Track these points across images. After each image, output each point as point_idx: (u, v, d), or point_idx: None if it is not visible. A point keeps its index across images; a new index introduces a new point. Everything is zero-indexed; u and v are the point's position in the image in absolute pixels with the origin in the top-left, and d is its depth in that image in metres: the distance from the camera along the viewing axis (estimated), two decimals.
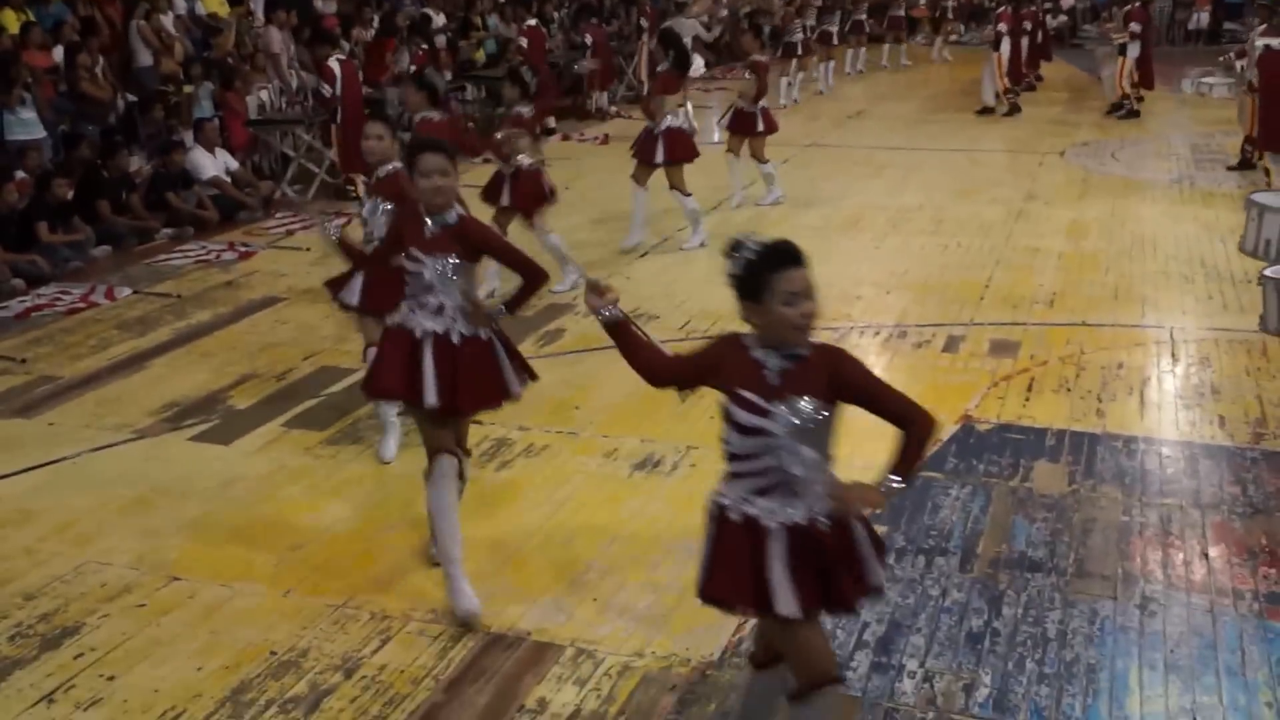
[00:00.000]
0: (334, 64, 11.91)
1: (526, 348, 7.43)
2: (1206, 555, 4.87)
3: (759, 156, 11.08)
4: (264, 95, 13.41)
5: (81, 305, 8.66)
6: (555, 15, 18.54)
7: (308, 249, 10.02)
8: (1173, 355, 7.16)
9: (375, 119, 6.01)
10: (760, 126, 10.92)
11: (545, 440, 6.12)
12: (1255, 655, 4.19)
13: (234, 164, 11.84)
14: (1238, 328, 7.56)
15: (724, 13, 23.64)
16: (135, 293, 8.96)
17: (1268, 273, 7.54)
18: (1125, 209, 10.83)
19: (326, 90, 11.92)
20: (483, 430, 6.22)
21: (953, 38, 23.97)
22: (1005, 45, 16.52)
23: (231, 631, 4.48)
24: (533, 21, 15.56)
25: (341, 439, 6.25)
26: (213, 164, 11.39)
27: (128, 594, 4.76)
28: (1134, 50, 15.72)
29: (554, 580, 4.77)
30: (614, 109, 17.37)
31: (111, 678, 4.21)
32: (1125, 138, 14.27)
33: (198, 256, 10.02)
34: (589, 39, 16.82)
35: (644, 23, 18.67)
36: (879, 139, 14.81)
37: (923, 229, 10.27)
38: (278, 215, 11.48)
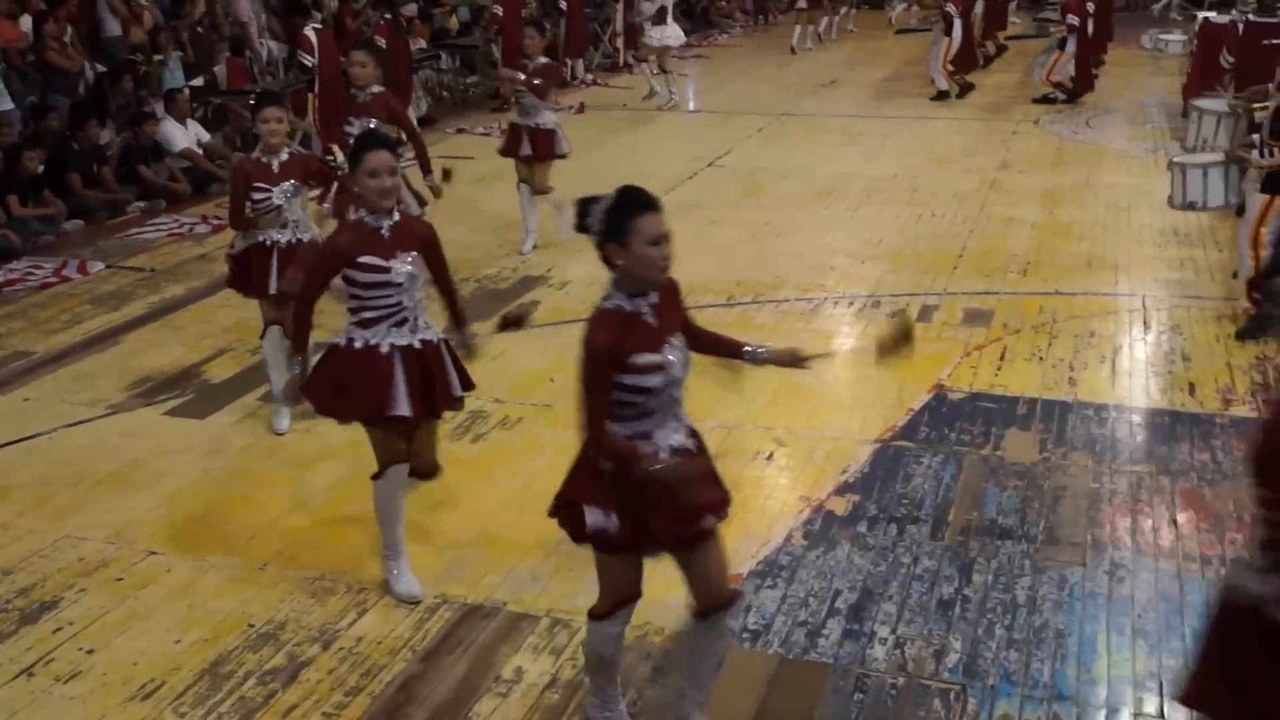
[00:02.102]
0: (310, 33, 11.82)
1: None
2: (1175, 521, 4.94)
3: (542, 186, 8.85)
4: (218, 69, 13.28)
5: (54, 280, 8.62)
6: None
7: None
8: (1144, 323, 7.22)
9: (270, 103, 5.96)
10: (559, 148, 8.81)
11: (520, 413, 6.14)
12: None
13: (205, 136, 11.76)
14: (1209, 295, 7.63)
15: None
16: (108, 267, 8.92)
17: (1175, 159, 7.95)
18: (1099, 177, 10.88)
19: (307, 60, 11.81)
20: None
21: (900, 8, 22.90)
22: (957, 29, 14.82)
23: (209, 604, 4.50)
24: None
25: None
26: (184, 136, 11.30)
27: (105, 568, 4.77)
28: (1071, 45, 14.29)
29: (529, 551, 4.80)
30: (589, 77, 17.29)
31: (90, 651, 4.23)
32: (1098, 105, 14.30)
33: (170, 229, 9.97)
34: (563, 4, 16.70)
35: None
36: (853, 108, 14.80)
37: (897, 198, 10.30)
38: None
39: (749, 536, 4.90)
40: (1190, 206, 7.89)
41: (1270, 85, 7.24)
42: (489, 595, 4.53)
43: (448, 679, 4.05)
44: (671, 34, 15.10)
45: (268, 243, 5.89)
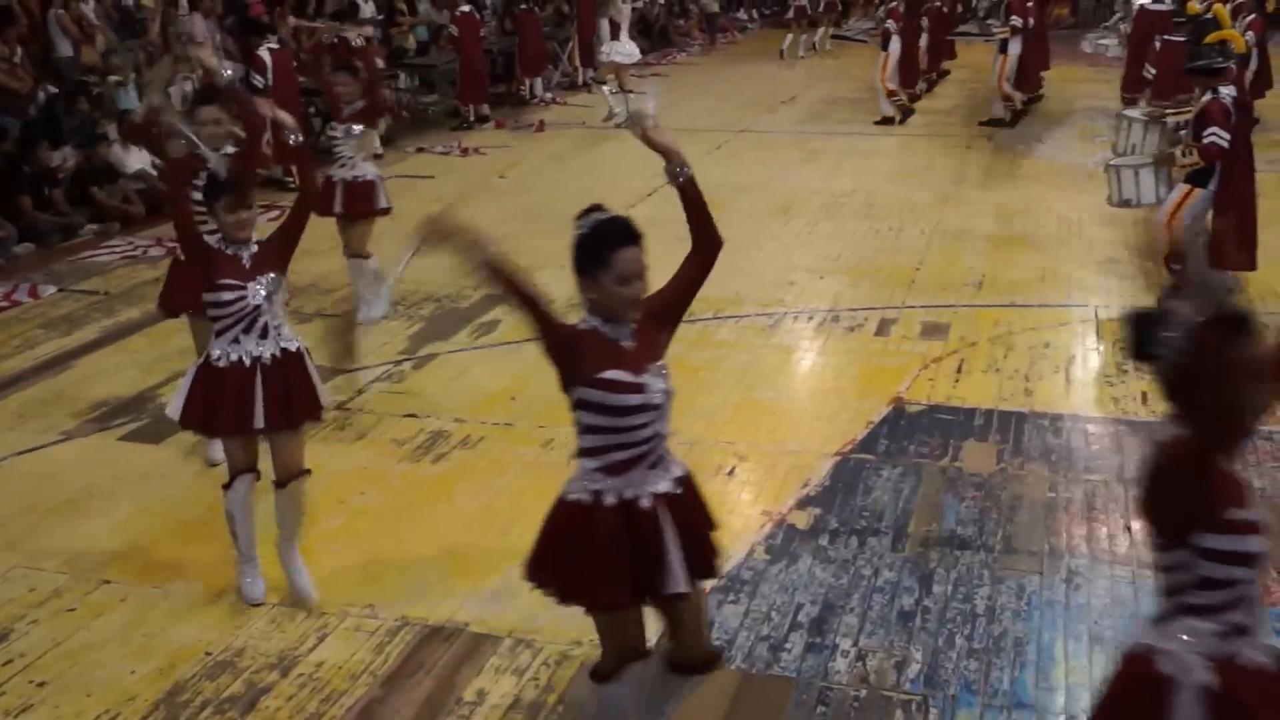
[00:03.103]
0: (264, 53, 11.78)
1: (461, 339, 7.45)
2: (1129, 528, 4.99)
3: (361, 250, 7.62)
4: (187, 86, 13.18)
5: (4, 304, 8.51)
6: (488, 1, 18.43)
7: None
8: (1097, 334, 7.30)
9: (207, 101, 5.86)
10: (380, 202, 7.68)
11: (482, 432, 6.13)
12: None
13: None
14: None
15: None
16: (60, 290, 8.82)
17: (1111, 163, 8.50)
18: (1051, 191, 11.00)
19: (258, 81, 11.78)
20: (417, 424, 6.22)
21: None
22: (895, 45, 14.48)
23: (165, 633, 4.45)
24: (466, 8, 15.43)
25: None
26: (137, 157, 11.19)
27: (57, 598, 4.71)
28: (1015, 47, 14.04)
29: (491, 571, 4.77)
30: (548, 95, 17.32)
31: (43, 684, 4.17)
32: (1050, 120, 14.47)
33: (124, 252, 9.88)
34: (518, 24, 16.74)
35: (567, 8, 18.59)
36: (811, 124, 14.91)
37: (855, 213, 10.37)
38: None
39: None
40: (1126, 204, 8.40)
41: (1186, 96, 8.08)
42: (450, 616, 4.50)
43: (410, 702, 4.02)
44: (625, 51, 15.11)
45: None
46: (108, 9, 13.43)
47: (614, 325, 3.20)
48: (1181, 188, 7.72)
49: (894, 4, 14.68)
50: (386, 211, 7.70)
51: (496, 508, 5.35)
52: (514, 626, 4.42)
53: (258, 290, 4.41)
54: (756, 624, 4.41)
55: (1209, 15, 10.04)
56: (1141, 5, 14.55)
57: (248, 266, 4.41)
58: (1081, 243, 9.26)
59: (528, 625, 4.41)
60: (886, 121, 14.54)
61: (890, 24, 14.44)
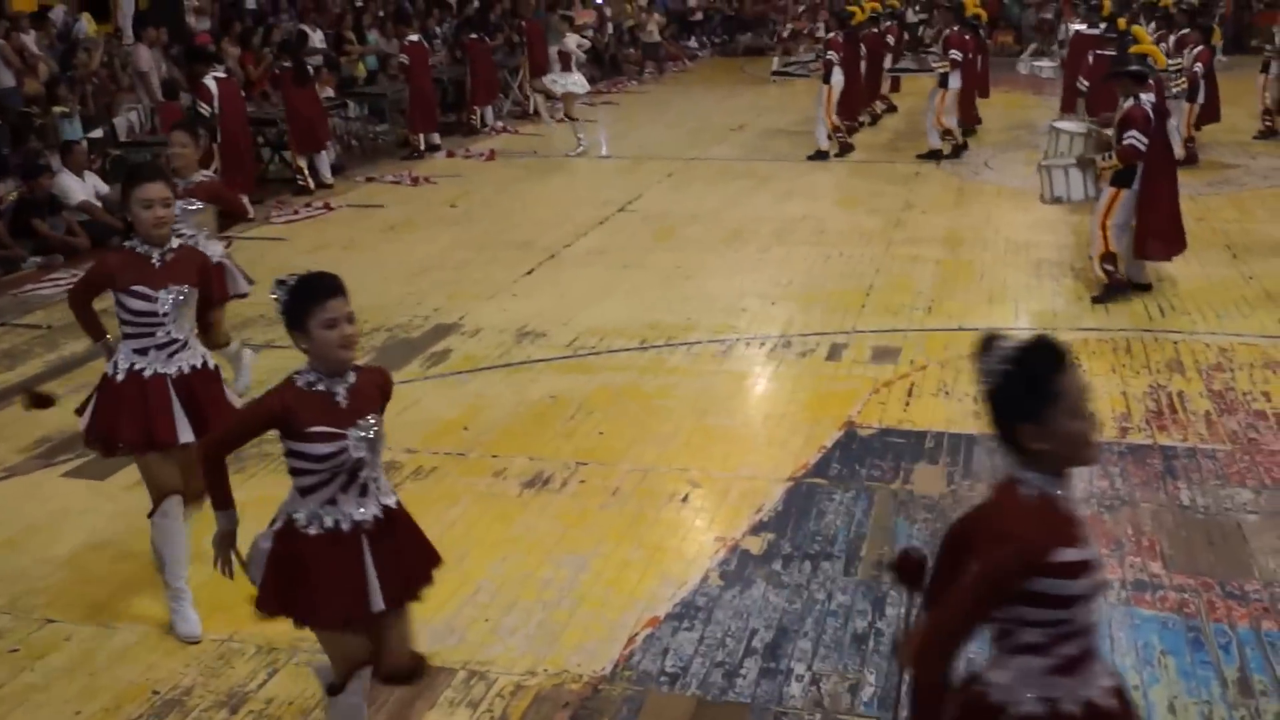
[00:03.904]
0: (210, 82, 11.72)
1: (412, 369, 7.41)
2: None
3: (217, 338, 6.09)
4: (132, 116, 13.10)
5: None
6: (438, 30, 18.46)
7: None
8: None
9: (179, 128, 6.00)
10: (234, 287, 6.75)
11: (434, 462, 6.10)
12: (1123, 641, 4.36)
13: (104, 188, 11.54)
14: (1105, 327, 7.85)
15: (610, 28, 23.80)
16: (2, 324, 8.70)
17: (1043, 163, 9.22)
18: (998, 216, 11.15)
19: (205, 109, 11.73)
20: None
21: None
22: (838, 76, 14.07)
23: (111, 672, 4.38)
24: (415, 37, 15.45)
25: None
26: (81, 188, 11.09)
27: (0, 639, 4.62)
28: (955, 81, 13.76)
29: (445, 602, 4.74)
30: (499, 124, 17.35)
31: None
32: (996, 146, 14.67)
33: (68, 285, 9.71)
34: (469, 53, 16.78)
35: (517, 37, 18.66)
36: (761, 152, 15.02)
37: (805, 239, 10.45)
38: None
39: (666, 579, 4.91)
40: (1057, 200, 9.21)
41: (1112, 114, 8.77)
42: None
43: None
44: (575, 81, 15.14)
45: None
46: (50, 39, 13.31)
47: (330, 379, 3.36)
48: (1109, 191, 8.38)
49: (833, 35, 14.35)
50: (243, 296, 6.76)
51: (449, 538, 5.29)
52: (467, 658, 4.40)
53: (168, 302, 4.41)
54: (711, 650, 4.41)
55: (1128, 34, 11.10)
56: (1077, 30, 15.10)
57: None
58: (1028, 265, 9.39)
59: (482, 656, 4.39)
60: (820, 156, 14.16)
61: (832, 55, 14.05)
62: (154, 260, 4.35)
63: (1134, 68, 8.50)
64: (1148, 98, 8.29)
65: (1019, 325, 7.93)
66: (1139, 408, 6.50)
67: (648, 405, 6.78)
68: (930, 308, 8.41)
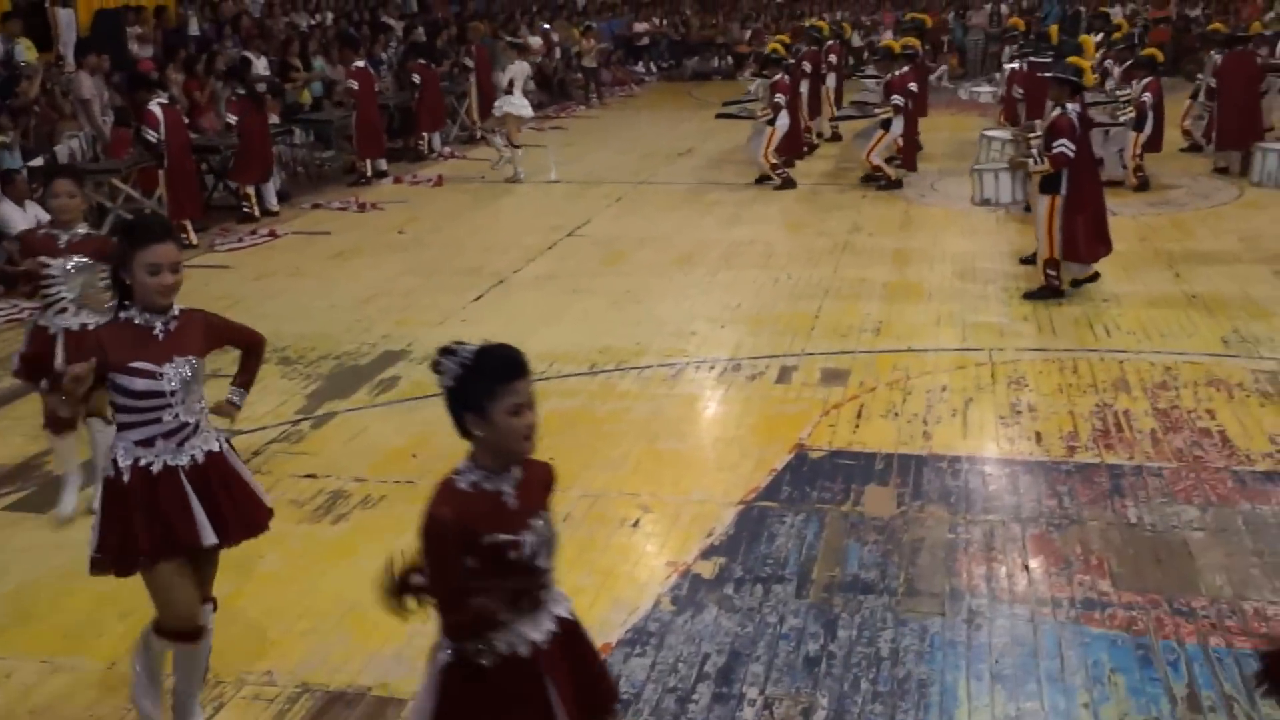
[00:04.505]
0: (155, 108, 11.64)
1: (360, 397, 7.35)
2: (1027, 567, 5.09)
3: (102, 408, 5.19)
4: (74, 144, 12.93)
5: None
6: (384, 56, 18.40)
7: None
8: (992, 376, 7.46)
9: (62, 175, 5.61)
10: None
11: (382, 491, 6.04)
12: (1073, 660, 4.39)
13: (46, 217, 11.34)
14: (1051, 347, 7.94)
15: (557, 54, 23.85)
16: None
17: (974, 167, 9.92)
18: (944, 238, 11.26)
19: (151, 136, 11.64)
20: (316, 484, 6.12)
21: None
22: (783, 119, 13.88)
23: (54, 709, 4.29)
24: (361, 63, 15.39)
25: None
26: (23, 218, 10.87)
27: None
28: (897, 126, 13.64)
29: (394, 632, 4.67)
30: (447, 149, 17.31)
31: None
32: (942, 170, 14.83)
33: (8, 315, 9.59)
34: (416, 79, 16.75)
35: (468, 62, 18.65)
36: (708, 175, 15.09)
37: (754, 263, 10.50)
38: None
39: (617, 605, 4.89)
40: (986, 203, 9.94)
41: (1037, 122, 9.54)
42: (352, 681, 4.41)
43: None
44: (518, 105, 15.10)
45: (50, 330, 5.50)
46: None
47: (149, 315, 3.61)
48: (1047, 199, 8.91)
49: (778, 77, 13.97)
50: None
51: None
52: (417, 689, 4.34)
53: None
54: (663, 676, 4.39)
55: (1075, 40, 11.84)
56: (1013, 68, 15.47)
57: None
58: (975, 287, 9.49)
59: None
60: (764, 180, 14.08)
61: (779, 98, 13.80)
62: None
63: (1069, 76, 8.95)
64: (1074, 107, 8.81)
65: (967, 346, 8.01)
66: (1086, 427, 6.57)
67: (598, 430, 6.76)
68: (879, 329, 8.47)
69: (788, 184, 14.00)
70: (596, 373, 7.75)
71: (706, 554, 5.31)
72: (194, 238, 11.89)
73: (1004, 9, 26.95)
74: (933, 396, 7.12)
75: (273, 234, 12.26)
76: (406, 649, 4.58)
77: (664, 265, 10.52)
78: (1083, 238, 9.01)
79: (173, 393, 3.72)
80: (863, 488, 5.92)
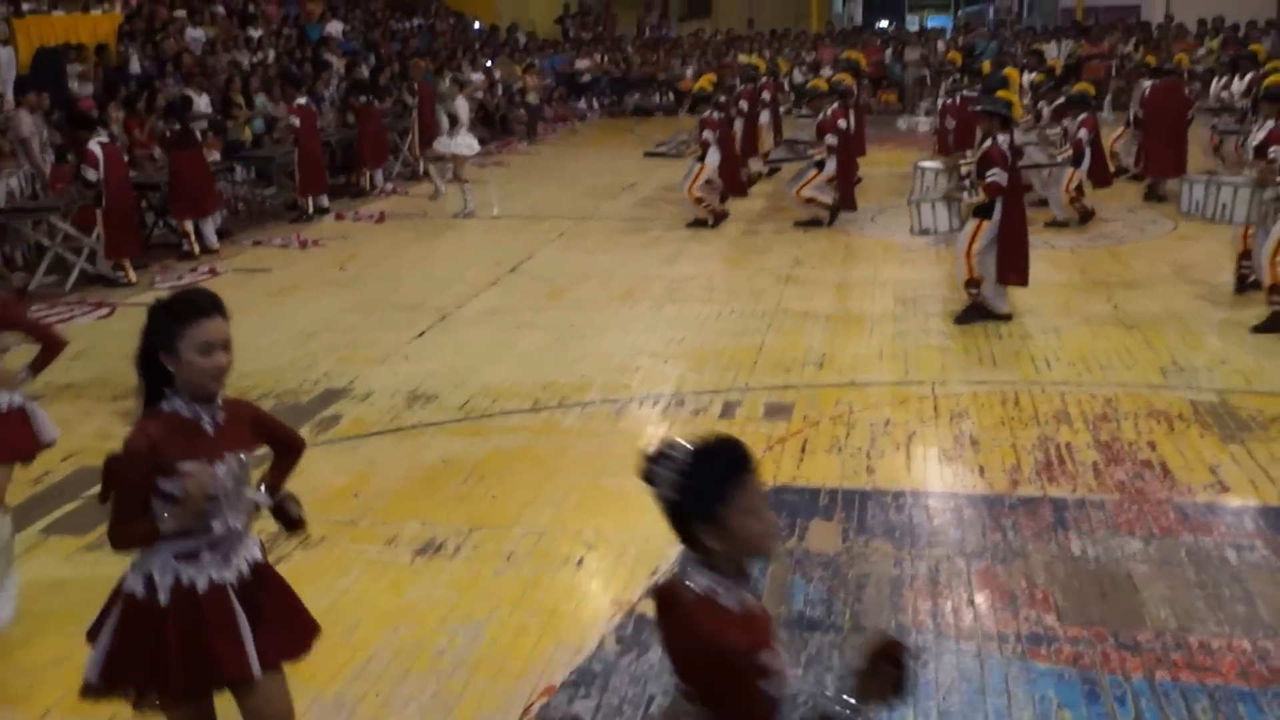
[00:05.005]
0: (95, 147, 11.52)
1: (302, 435, 7.23)
2: (973, 602, 5.08)
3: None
4: (13, 182, 12.74)
5: None
6: (326, 93, 18.31)
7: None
8: (935, 410, 7.50)
9: None
10: (43, 436, 5.27)
11: (323, 530, 5.93)
12: (1020, 696, 4.38)
13: None
14: (993, 380, 7.99)
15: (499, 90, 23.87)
16: None
17: (911, 199, 10.34)
18: (885, 271, 11.35)
19: (91, 174, 11.50)
20: (256, 525, 5.99)
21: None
22: (714, 156, 13.63)
23: None
24: (303, 100, 15.30)
25: (105, 544, 5.88)
26: None
27: None
28: (831, 166, 13.37)
29: (335, 675, 4.60)
30: (390, 185, 17.24)
31: None
32: (883, 203, 14.97)
33: None
34: (358, 116, 16.70)
35: (410, 100, 18.61)
36: (651, 210, 15.13)
37: (697, 297, 10.52)
38: (33, 308, 10.87)
39: (561, 645, 4.82)
40: (925, 232, 10.25)
41: (967, 152, 10.16)
42: None
43: None
44: (462, 143, 15.08)
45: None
46: None
47: (197, 405, 3.21)
48: (972, 221, 9.29)
49: (708, 113, 13.82)
50: (50, 445, 5.34)
51: (340, 608, 5.17)
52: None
53: None
54: (608, 717, 4.33)
55: (1001, 74, 12.02)
56: (947, 101, 16.16)
57: None
58: (917, 318, 9.55)
59: None
60: (699, 224, 13.74)
61: (708, 134, 13.59)
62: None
63: (998, 109, 9.27)
64: (1004, 138, 9.14)
65: (910, 379, 8.04)
66: (1029, 460, 6.61)
67: (541, 467, 6.71)
68: (822, 363, 8.49)
69: (720, 217, 13.83)
70: (540, 409, 7.69)
71: (651, 592, 5.25)
72: (133, 276, 11.74)
73: (940, 45, 27.37)
74: (876, 430, 7.13)
75: (213, 271, 12.13)
76: (347, 693, 4.50)
77: (607, 300, 10.51)
78: (1011, 265, 9.39)
79: (225, 495, 3.26)
80: (808, 523, 5.90)
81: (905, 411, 7.46)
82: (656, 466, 2.57)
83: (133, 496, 3.21)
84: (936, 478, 6.49)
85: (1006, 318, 9.34)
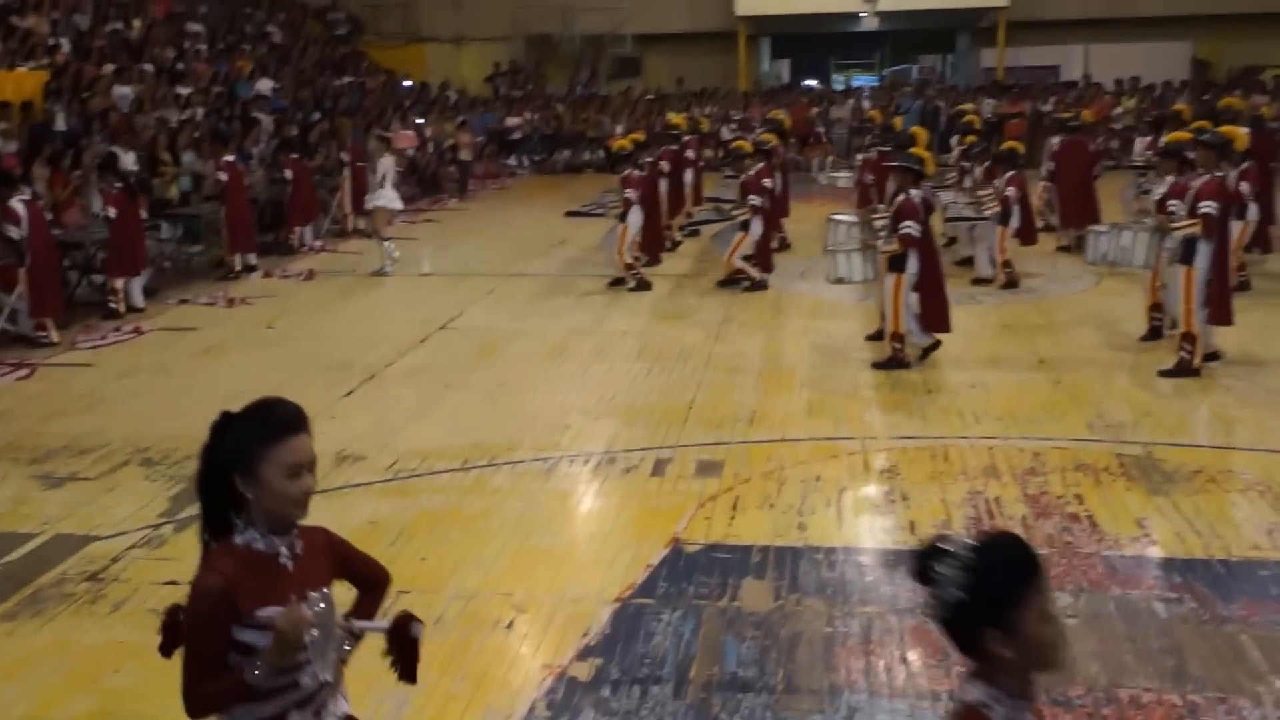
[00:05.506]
0: (17, 205, 11.32)
1: None
2: (905, 660, 5.07)
3: None
4: None
5: None
6: (254, 150, 18.17)
7: None
8: (865, 465, 7.52)
9: None
10: None
11: None
12: None
13: None
14: (922, 435, 8.04)
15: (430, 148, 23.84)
16: None
17: (829, 248, 10.97)
18: (814, 326, 11.43)
19: (13, 232, 11.28)
20: (179, 591, 5.81)
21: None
22: (635, 216, 13.45)
23: None
24: (231, 157, 15.17)
25: (20, 612, 5.72)
26: None
27: None
28: (756, 227, 13.22)
29: None
30: (318, 244, 17.10)
31: None
32: (812, 257, 15.10)
33: None
34: (289, 173, 16.59)
35: (345, 157, 18.54)
36: (582, 267, 15.13)
37: (627, 354, 10.51)
38: None
39: (491, 712, 4.74)
40: (840, 281, 10.64)
41: (880, 205, 10.54)
42: None
43: None
44: (388, 198, 14.97)
45: None
46: None
47: (273, 537, 2.77)
48: (893, 277, 9.61)
49: (629, 172, 13.47)
50: None
51: None
52: None
53: None
54: None
55: (909, 132, 12.86)
56: (866, 158, 16.69)
57: None
58: (845, 375, 9.61)
59: None
60: (618, 283, 13.53)
61: (630, 193, 13.34)
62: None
63: (911, 165, 9.81)
64: (918, 192, 9.70)
65: (840, 435, 8.07)
66: (958, 514, 6.64)
67: (471, 528, 6.62)
68: (752, 419, 8.50)
69: (642, 286, 13.45)
70: (469, 468, 7.61)
71: (583, 655, 5.18)
72: (55, 335, 11.49)
73: (865, 104, 27.83)
74: (807, 486, 7.14)
75: (137, 330, 11.91)
76: None
77: (537, 358, 10.46)
78: (932, 313, 9.87)
79: (312, 643, 2.70)
80: (740, 581, 5.86)
81: (836, 467, 7.47)
82: (936, 565, 2.30)
83: (210, 647, 2.70)
84: (868, 533, 6.50)
85: (936, 345, 9.90)
